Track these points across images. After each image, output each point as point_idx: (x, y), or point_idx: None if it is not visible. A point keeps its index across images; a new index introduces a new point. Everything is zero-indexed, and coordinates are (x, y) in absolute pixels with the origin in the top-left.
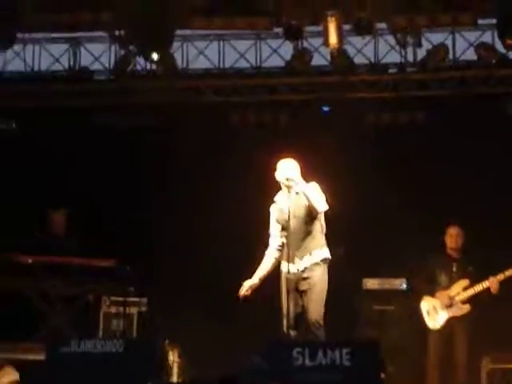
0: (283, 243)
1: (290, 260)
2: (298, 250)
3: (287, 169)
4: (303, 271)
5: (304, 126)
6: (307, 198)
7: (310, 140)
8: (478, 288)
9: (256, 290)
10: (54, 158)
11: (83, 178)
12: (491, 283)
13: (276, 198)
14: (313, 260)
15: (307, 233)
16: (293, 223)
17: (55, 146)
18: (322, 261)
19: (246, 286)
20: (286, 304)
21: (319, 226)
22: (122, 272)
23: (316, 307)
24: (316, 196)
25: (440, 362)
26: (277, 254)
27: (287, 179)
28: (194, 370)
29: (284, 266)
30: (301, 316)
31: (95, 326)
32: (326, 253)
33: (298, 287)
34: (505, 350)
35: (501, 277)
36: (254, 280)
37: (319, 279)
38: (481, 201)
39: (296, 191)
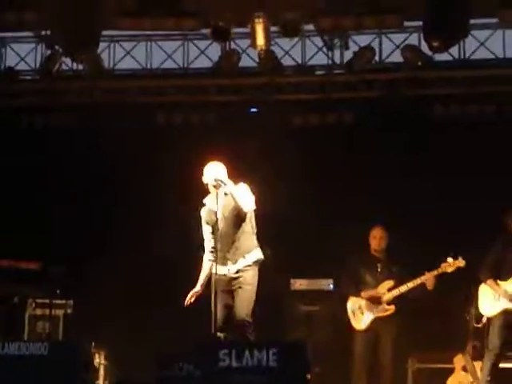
0: (214, 246)
1: (221, 262)
2: (229, 252)
3: (215, 171)
4: (236, 272)
5: (231, 127)
6: (234, 199)
7: (237, 141)
8: (403, 288)
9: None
10: None
11: (8, 179)
12: (427, 279)
13: (205, 201)
14: (246, 262)
15: (238, 234)
16: (223, 225)
17: None
18: (254, 262)
19: (191, 295)
20: (215, 305)
21: (250, 227)
22: (47, 274)
23: (245, 304)
24: (243, 196)
25: (366, 362)
26: (212, 257)
27: (215, 180)
28: (120, 373)
29: (217, 269)
30: (229, 317)
31: (20, 328)
32: (258, 254)
33: (228, 287)
34: (430, 350)
35: (435, 272)
36: (197, 288)
37: (250, 280)
38: (406, 202)
39: (224, 192)
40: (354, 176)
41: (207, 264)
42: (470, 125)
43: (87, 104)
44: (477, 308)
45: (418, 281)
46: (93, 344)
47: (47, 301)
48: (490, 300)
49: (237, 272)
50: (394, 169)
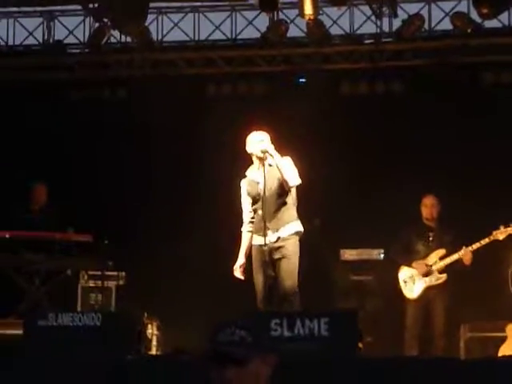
0: (254, 216)
1: (262, 233)
2: (270, 223)
3: (260, 141)
4: (276, 241)
5: (280, 97)
6: (280, 172)
7: (285, 111)
8: (455, 257)
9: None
10: (31, 132)
11: (61, 153)
12: (463, 254)
13: (247, 172)
14: (286, 232)
15: (280, 205)
16: (266, 196)
17: (31, 120)
18: (295, 233)
19: (237, 268)
20: (258, 277)
21: (291, 199)
22: (99, 246)
23: (291, 275)
24: (289, 170)
25: (418, 331)
26: (251, 228)
27: (262, 151)
28: (173, 343)
29: (256, 240)
30: (273, 288)
31: (73, 300)
32: (298, 226)
33: (271, 257)
34: (482, 318)
35: (474, 247)
36: (241, 260)
37: (292, 250)
38: (457, 171)
39: (269, 163)
40: (403, 145)
41: (246, 235)
42: None
43: (136, 77)
44: None
45: (458, 254)
46: (145, 314)
47: (99, 273)
48: None
49: (277, 240)
50: (443, 137)
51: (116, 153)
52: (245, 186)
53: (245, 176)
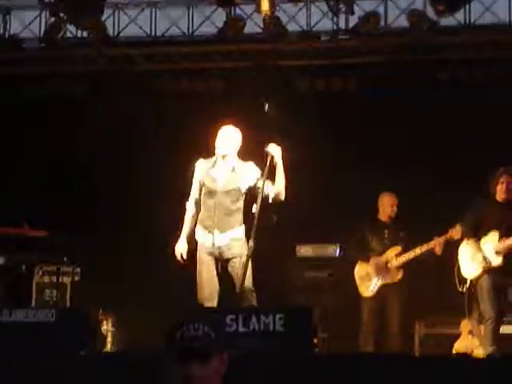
0: (201, 206)
1: (209, 230)
2: (218, 223)
3: (226, 136)
4: (226, 244)
5: (237, 93)
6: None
7: (243, 108)
8: (411, 254)
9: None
10: None
11: (14, 147)
12: (436, 244)
13: (205, 162)
14: (235, 234)
15: (232, 209)
16: (220, 197)
17: None
18: (241, 238)
19: (180, 254)
20: (202, 274)
21: (242, 203)
22: (54, 241)
23: (246, 273)
24: (281, 184)
25: (374, 328)
26: (195, 210)
27: (221, 147)
28: (128, 339)
29: (203, 236)
30: (218, 287)
31: (28, 296)
32: (243, 231)
33: (220, 256)
34: (437, 315)
35: (443, 238)
36: (183, 242)
37: (242, 250)
38: (414, 167)
39: (233, 166)
40: (360, 142)
41: (191, 216)
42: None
43: (91, 72)
44: (459, 272)
45: (425, 247)
46: (100, 311)
47: (54, 268)
48: (470, 261)
49: (226, 244)
50: (399, 134)
51: (72, 148)
52: (200, 172)
53: (199, 159)
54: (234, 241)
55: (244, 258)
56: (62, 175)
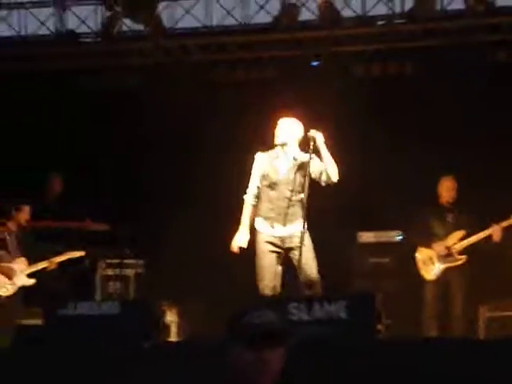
0: (263, 198)
1: (270, 223)
2: (280, 216)
3: (287, 127)
4: (288, 235)
5: (293, 81)
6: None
7: (299, 96)
8: (474, 239)
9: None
10: (42, 122)
11: (74, 142)
12: (494, 231)
13: (269, 153)
14: (297, 228)
15: (294, 201)
16: (282, 188)
17: (41, 109)
18: (303, 230)
19: (239, 242)
20: (265, 264)
21: (304, 195)
22: (117, 235)
23: (310, 262)
24: (334, 164)
25: (437, 312)
26: (255, 203)
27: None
28: (192, 330)
29: (264, 228)
30: (280, 278)
31: (92, 289)
32: (304, 224)
33: (282, 246)
34: (501, 298)
35: (504, 224)
36: (244, 234)
37: (307, 241)
38: (474, 150)
39: (294, 157)
40: (418, 125)
41: (249, 207)
42: None
43: (148, 64)
44: None
45: (488, 231)
46: (164, 302)
47: (117, 261)
48: None
49: (287, 233)
50: (458, 116)
51: (126, 140)
52: (263, 163)
53: (260, 153)
54: (296, 231)
55: (306, 248)
56: (123, 168)
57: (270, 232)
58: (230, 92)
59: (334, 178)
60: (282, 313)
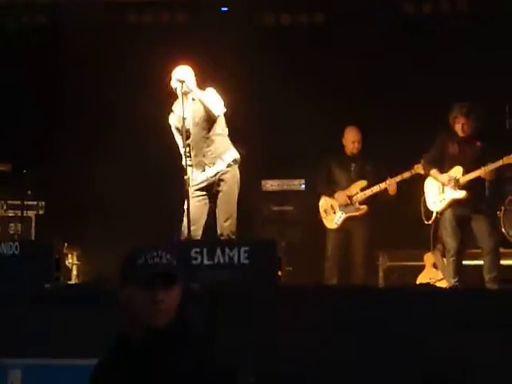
0: (189, 151)
1: (199, 168)
2: (205, 157)
3: (182, 75)
4: (215, 175)
5: (202, 27)
6: (203, 103)
7: (209, 41)
8: (376, 189)
9: None
10: None
11: None
12: (389, 185)
13: (173, 107)
14: (224, 163)
15: (211, 138)
16: (194, 130)
17: None
18: (232, 161)
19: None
20: (191, 211)
21: (221, 129)
22: (18, 175)
23: (231, 214)
24: (212, 100)
25: (338, 260)
26: (190, 162)
27: (181, 83)
28: (93, 273)
29: (193, 173)
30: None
31: None
32: (234, 153)
33: (210, 190)
34: (401, 248)
35: (398, 178)
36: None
37: (233, 182)
38: (380, 104)
39: (192, 97)
40: (327, 75)
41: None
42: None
43: (56, 3)
44: (424, 204)
45: (383, 185)
46: (65, 244)
47: (18, 202)
48: (436, 193)
49: (215, 175)
50: (370, 67)
51: (34, 83)
52: (173, 121)
53: (172, 111)
54: (221, 172)
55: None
56: (27, 111)
57: (198, 177)
58: (139, 34)
59: (217, 111)
60: (184, 257)
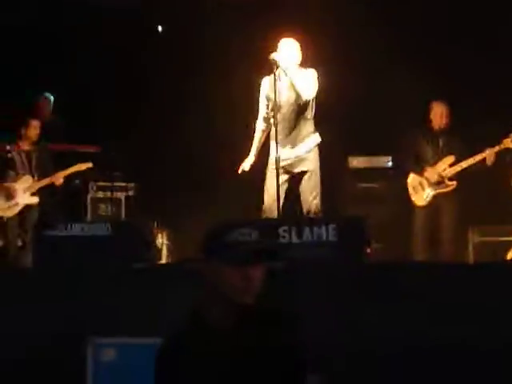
0: (271, 121)
1: (281, 146)
2: (287, 137)
3: (284, 49)
4: (296, 157)
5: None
6: (293, 85)
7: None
8: (470, 161)
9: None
10: (33, 40)
11: (66, 63)
12: (488, 155)
13: (271, 76)
14: (305, 148)
15: (298, 120)
16: (285, 110)
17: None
18: (314, 147)
19: (245, 165)
20: (270, 186)
21: (310, 114)
22: (108, 157)
23: (315, 191)
24: (304, 84)
25: (426, 238)
26: (264, 127)
27: (276, 61)
28: (184, 253)
29: (274, 151)
30: (288, 203)
31: (83, 211)
32: (317, 138)
33: (291, 171)
34: (491, 223)
35: (496, 149)
36: (251, 156)
37: (314, 165)
38: (469, 75)
39: (290, 76)
40: (413, 47)
41: (259, 133)
42: None
43: None
44: None
45: (479, 156)
46: (155, 224)
47: (109, 184)
48: None
49: (297, 157)
50: (457, 41)
51: (123, 66)
52: (267, 86)
53: (266, 75)
54: (304, 153)
55: (311, 173)
56: (117, 89)
57: (279, 156)
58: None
59: (304, 95)
60: (272, 235)
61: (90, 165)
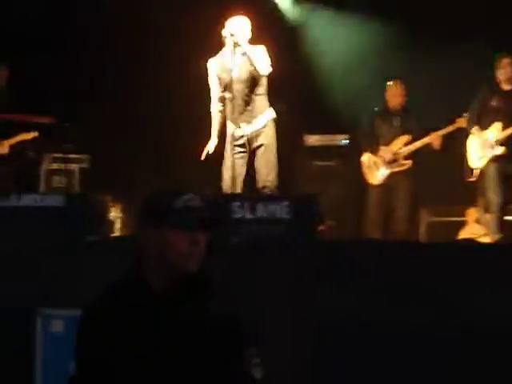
0: (226, 101)
1: (235, 123)
2: (243, 114)
3: (236, 25)
4: (252, 133)
5: None
6: (251, 60)
7: None
8: (419, 143)
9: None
10: None
11: (20, 34)
12: (433, 139)
13: (219, 54)
14: (261, 123)
15: (251, 97)
16: (237, 87)
17: None
18: (269, 121)
19: (210, 147)
20: (227, 162)
21: (263, 89)
22: (61, 128)
23: (272, 168)
24: (260, 58)
25: (380, 216)
26: (220, 106)
27: (232, 35)
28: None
29: (231, 129)
30: (245, 178)
31: (36, 182)
32: (271, 113)
33: (248, 148)
34: (443, 204)
35: (441, 132)
36: (214, 139)
37: (271, 139)
38: (422, 57)
39: (242, 52)
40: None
41: (218, 114)
42: None
43: None
44: (467, 161)
45: (427, 139)
46: (109, 197)
47: (62, 155)
48: (478, 150)
49: (252, 133)
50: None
51: (78, 33)
52: (216, 67)
53: (213, 57)
54: (260, 128)
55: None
56: (69, 59)
57: (235, 133)
58: None
59: (263, 71)
60: (226, 211)
61: (35, 134)
